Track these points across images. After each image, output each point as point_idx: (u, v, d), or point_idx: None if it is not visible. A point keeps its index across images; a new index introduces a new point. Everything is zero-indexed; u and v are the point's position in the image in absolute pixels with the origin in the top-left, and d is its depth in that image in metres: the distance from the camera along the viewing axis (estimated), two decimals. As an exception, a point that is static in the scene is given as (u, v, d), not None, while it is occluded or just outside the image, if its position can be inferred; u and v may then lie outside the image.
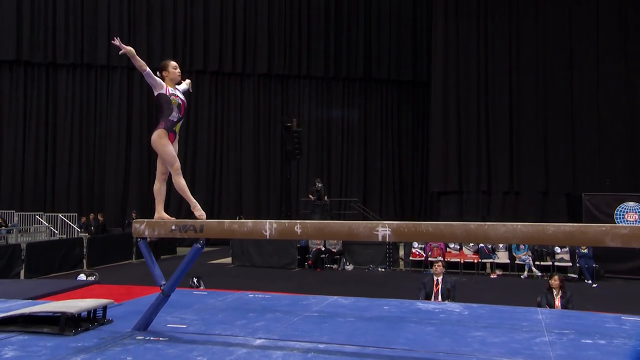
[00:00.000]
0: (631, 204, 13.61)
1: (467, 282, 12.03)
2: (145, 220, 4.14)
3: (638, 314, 5.60)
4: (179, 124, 4.31)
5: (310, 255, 14.24)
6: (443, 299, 6.71)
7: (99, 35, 20.25)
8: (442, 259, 11.97)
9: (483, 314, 4.74)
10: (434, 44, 19.80)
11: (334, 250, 14.40)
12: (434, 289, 6.88)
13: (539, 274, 13.21)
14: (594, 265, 12.57)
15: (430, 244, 14.00)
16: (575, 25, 18.43)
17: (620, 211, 13.58)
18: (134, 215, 18.59)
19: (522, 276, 13.14)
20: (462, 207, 19.05)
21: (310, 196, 17.15)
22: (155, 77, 4.21)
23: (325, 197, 17.18)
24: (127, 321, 4.39)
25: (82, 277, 8.51)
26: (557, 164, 18.41)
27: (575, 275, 12.50)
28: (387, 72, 22.36)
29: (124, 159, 20.55)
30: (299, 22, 21.86)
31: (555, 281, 6.51)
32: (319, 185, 17.10)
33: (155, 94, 4.25)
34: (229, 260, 14.84)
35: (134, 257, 15.32)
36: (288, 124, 17.29)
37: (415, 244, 14.14)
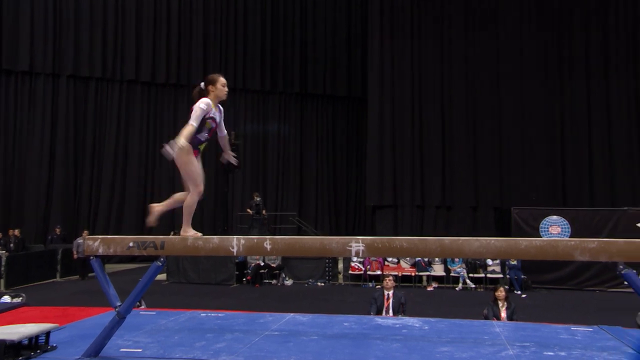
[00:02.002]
0: (554, 217, 14.37)
1: (406, 295, 12.19)
2: (100, 236, 3.86)
3: (565, 322, 5.92)
4: (204, 144, 4.15)
5: (249, 271, 13.96)
6: (394, 313, 6.73)
7: (21, 40, 18.94)
8: (386, 273, 12.08)
9: (443, 328, 4.78)
10: (370, 62, 20.20)
11: (274, 265, 14.19)
12: (385, 304, 6.89)
13: (473, 285, 13.71)
14: (522, 276, 13.22)
15: (369, 258, 14.13)
16: (502, 48, 19.47)
17: (545, 224, 14.32)
18: (57, 230, 17.48)
19: (457, 288, 13.55)
20: (397, 221, 19.40)
21: (249, 210, 16.85)
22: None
23: (264, 211, 16.94)
24: (73, 347, 4.05)
25: (6, 298, 7.82)
26: (486, 179, 19.23)
27: (506, 287, 13.03)
28: (322, 88, 22.56)
29: (47, 171, 19.17)
30: (235, 34, 21.61)
31: (500, 292, 6.70)
32: (258, 199, 16.86)
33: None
34: (163, 276, 14.22)
35: (58, 275, 14.36)
36: (226, 137, 16.93)
37: (355, 258, 14.21)
